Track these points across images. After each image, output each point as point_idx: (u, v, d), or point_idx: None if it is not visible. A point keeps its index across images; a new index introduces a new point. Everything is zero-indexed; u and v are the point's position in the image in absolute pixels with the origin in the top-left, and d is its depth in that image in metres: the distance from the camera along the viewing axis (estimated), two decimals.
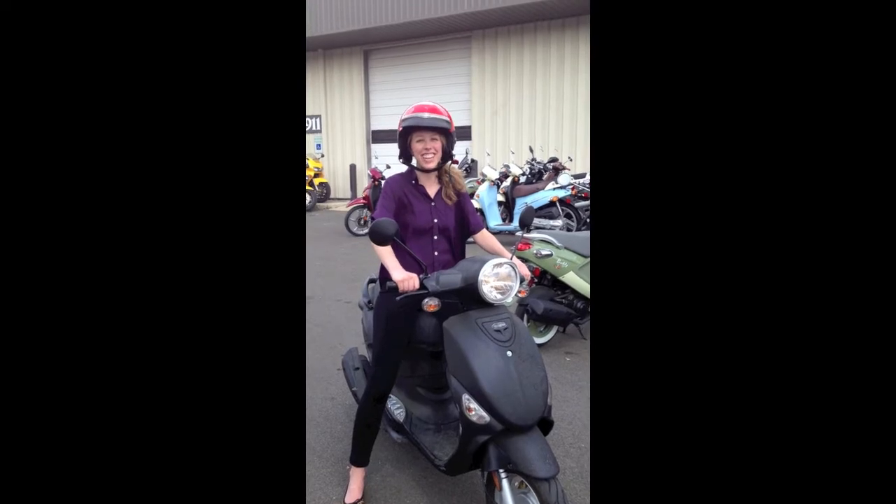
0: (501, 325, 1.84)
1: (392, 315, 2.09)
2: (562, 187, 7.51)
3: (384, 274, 2.07)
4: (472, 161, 10.10)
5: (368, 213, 9.11)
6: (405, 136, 2.04)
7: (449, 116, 2.02)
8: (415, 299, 1.92)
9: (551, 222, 7.23)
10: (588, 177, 7.89)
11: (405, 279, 1.86)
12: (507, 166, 8.42)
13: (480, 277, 1.82)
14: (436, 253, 2.12)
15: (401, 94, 12.29)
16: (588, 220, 7.07)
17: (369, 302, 2.60)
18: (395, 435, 2.39)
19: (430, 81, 11.92)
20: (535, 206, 7.23)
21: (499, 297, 1.86)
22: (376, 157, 11.53)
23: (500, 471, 1.79)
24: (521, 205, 7.78)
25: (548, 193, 7.49)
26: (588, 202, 7.10)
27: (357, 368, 2.69)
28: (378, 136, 12.90)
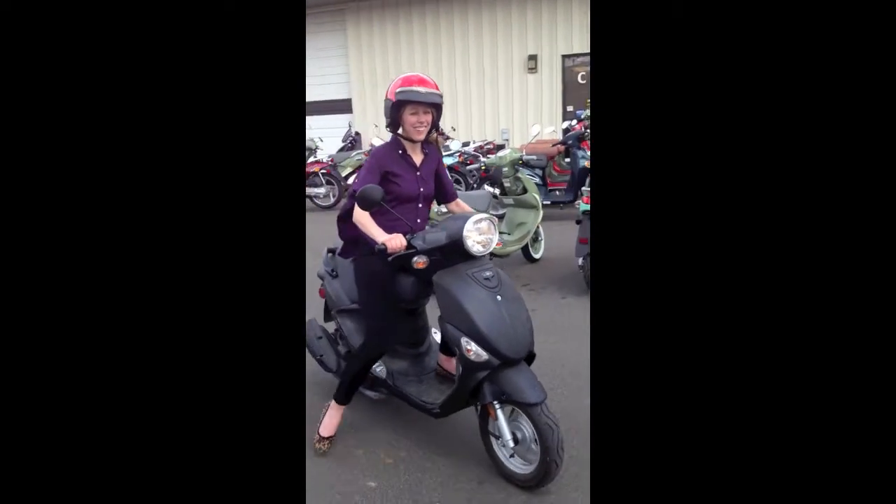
0: (489, 273, 2.05)
1: (377, 276, 2.20)
2: (450, 154, 7.82)
3: (362, 236, 2.14)
4: (357, 134, 10.04)
5: None
6: (398, 108, 2.12)
7: (439, 89, 2.13)
8: (404, 259, 2.06)
9: None
10: (473, 145, 8.26)
11: (392, 238, 1.98)
12: None
13: (464, 233, 2.00)
14: (419, 220, 2.24)
15: None
16: (475, 184, 7.44)
17: (332, 271, 2.67)
18: (370, 393, 2.53)
19: (306, 53, 11.48)
20: None
21: (481, 249, 2.05)
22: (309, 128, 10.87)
23: (495, 402, 2.02)
24: None
25: None
26: (475, 166, 7.48)
27: (320, 337, 2.75)
28: None
